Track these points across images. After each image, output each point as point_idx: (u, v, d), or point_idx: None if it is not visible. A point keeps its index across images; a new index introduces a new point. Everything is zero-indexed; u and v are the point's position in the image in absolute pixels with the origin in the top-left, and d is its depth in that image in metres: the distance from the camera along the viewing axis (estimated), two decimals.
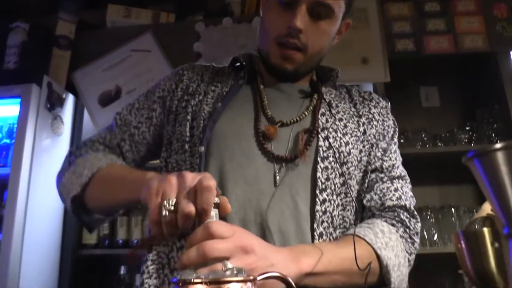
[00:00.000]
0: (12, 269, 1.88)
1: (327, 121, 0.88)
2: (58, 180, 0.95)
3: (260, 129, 0.85)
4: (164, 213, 0.60)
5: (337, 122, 0.89)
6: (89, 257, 2.23)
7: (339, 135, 0.87)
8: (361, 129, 0.91)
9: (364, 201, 0.88)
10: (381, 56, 2.23)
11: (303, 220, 0.80)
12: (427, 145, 2.27)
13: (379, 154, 0.91)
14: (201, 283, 0.45)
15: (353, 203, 0.86)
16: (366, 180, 0.89)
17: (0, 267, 1.87)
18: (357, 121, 0.92)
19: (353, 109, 0.95)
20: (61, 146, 2.26)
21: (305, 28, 0.85)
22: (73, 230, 2.21)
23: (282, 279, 0.52)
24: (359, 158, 0.88)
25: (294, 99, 0.93)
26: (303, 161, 0.83)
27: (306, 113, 0.89)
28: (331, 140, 0.84)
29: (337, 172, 0.83)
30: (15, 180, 1.96)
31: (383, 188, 0.88)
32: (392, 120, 0.99)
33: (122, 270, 2.16)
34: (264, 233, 0.78)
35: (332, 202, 0.82)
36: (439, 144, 2.28)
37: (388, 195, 0.87)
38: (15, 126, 2.13)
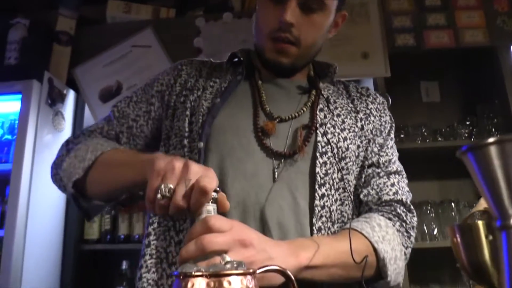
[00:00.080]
0: (15, 264, 1.89)
1: (325, 116, 0.89)
2: (54, 168, 0.94)
3: (259, 125, 0.86)
4: (159, 196, 0.62)
5: (335, 118, 0.89)
6: (91, 252, 2.24)
7: (337, 130, 0.87)
8: (359, 124, 0.92)
9: (361, 196, 0.89)
10: (381, 51, 2.23)
11: (301, 215, 0.81)
12: (427, 140, 2.27)
13: (376, 149, 0.92)
14: (201, 276, 0.46)
15: (351, 198, 0.87)
16: (363, 175, 0.90)
17: (3, 262, 1.88)
18: (355, 116, 0.93)
19: (350, 105, 0.95)
20: (62, 141, 2.26)
21: (296, 22, 0.86)
22: (75, 225, 2.22)
23: (281, 272, 0.52)
24: (356, 154, 0.89)
25: (292, 95, 0.94)
26: (302, 157, 0.84)
27: (305, 109, 0.89)
28: (329, 136, 0.85)
29: (335, 168, 0.84)
30: (17, 176, 1.97)
31: (380, 183, 0.89)
32: (389, 115, 0.99)
33: (124, 265, 2.17)
34: (263, 228, 0.79)
35: (331, 197, 0.83)
36: (439, 139, 2.28)
37: (385, 190, 0.88)
38: (17, 122, 2.13)
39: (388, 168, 0.91)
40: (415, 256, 1.96)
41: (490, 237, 0.36)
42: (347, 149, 0.86)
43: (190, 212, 0.62)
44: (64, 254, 2.18)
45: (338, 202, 0.84)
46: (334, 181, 0.84)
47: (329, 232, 0.82)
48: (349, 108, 0.94)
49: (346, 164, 0.86)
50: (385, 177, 0.90)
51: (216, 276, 0.45)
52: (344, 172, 0.85)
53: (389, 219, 0.86)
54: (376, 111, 0.97)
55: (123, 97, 1.01)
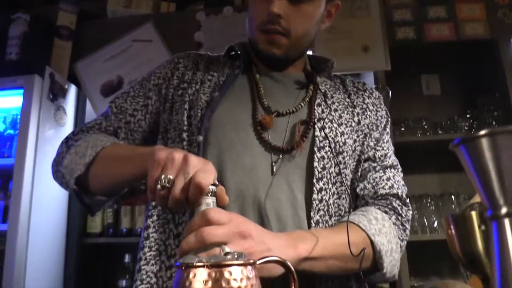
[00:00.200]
0: (19, 258, 1.91)
1: (322, 111, 0.89)
2: (55, 165, 0.94)
3: (257, 119, 0.86)
4: (158, 186, 0.63)
5: (333, 113, 0.90)
6: (94, 246, 2.26)
7: (335, 125, 0.88)
8: (356, 119, 0.93)
9: (358, 190, 0.90)
10: (381, 44, 2.23)
11: (299, 208, 0.82)
12: (428, 133, 2.28)
13: (372, 143, 0.93)
14: (203, 266, 0.47)
15: (348, 192, 0.88)
16: (359, 169, 0.91)
17: (7, 256, 1.90)
18: (352, 111, 0.93)
19: (347, 100, 0.96)
20: (65, 136, 2.27)
21: (284, 13, 0.86)
22: (78, 219, 2.24)
23: (282, 263, 0.53)
24: (353, 148, 0.89)
25: (290, 89, 0.94)
26: (300, 152, 0.84)
27: (302, 104, 0.90)
28: (327, 131, 0.86)
29: (332, 162, 0.85)
30: (19, 171, 1.99)
31: (376, 177, 0.90)
32: (385, 110, 1.00)
33: (127, 258, 2.19)
34: (262, 221, 0.80)
35: (328, 191, 0.84)
36: (440, 132, 2.29)
37: (381, 184, 0.89)
38: (19, 117, 2.14)
39: (384, 162, 0.92)
40: (415, 249, 1.98)
41: (483, 227, 0.37)
42: (344, 143, 0.87)
43: (189, 204, 0.63)
44: (67, 248, 2.20)
45: (335, 196, 0.85)
46: (331, 175, 0.85)
47: (326, 225, 0.83)
48: (346, 103, 0.95)
49: (343, 158, 0.87)
50: (381, 171, 0.91)
51: (218, 266, 0.47)
52: (341, 166, 0.86)
53: (385, 212, 0.87)
54: (373, 105, 0.97)
55: (121, 92, 1.01)
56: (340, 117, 0.90)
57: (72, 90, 2.38)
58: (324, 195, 0.83)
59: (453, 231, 0.40)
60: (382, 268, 0.81)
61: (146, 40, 2.42)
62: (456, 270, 2.01)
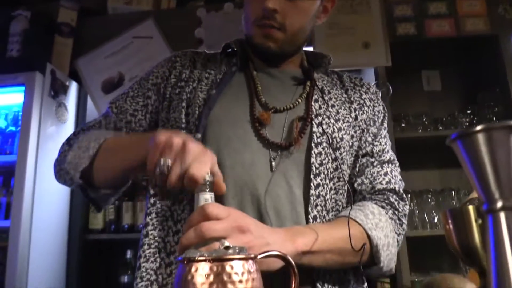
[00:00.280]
0: (21, 254, 1.92)
1: (320, 107, 0.90)
2: (57, 165, 0.94)
3: (255, 115, 0.87)
4: (157, 170, 0.65)
5: (330, 109, 0.90)
6: (96, 242, 2.27)
7: (332, 121, 0.88)
8: (353, 114, 0.93)
9: (355, 185, 0.91)
10: (382, 41, 2.23)
11: (297, 204, 0.83)
12: (428, 129, 2.28)
13: (369, 139, 0.94)
14: (205, 260, 0.47)
15: (345, 187, 0.88)
16: (357, 165, 0.92)
17: (9, 253, 1.91)
18: (349, 107, 0.94)
19: (344, 95, 0.96)
20: (66, 133, 2.28)
21: (280, 8, 0.87)
22: (80, 215, 2.25)
23: (282, 257, 0.54)
24: (350, 143, 0.90)
25: (287, 86, 0.95)
26: (298, 149, 0.85)
27: (300, 100, 0.90)
28: (324, 127, 0.86)
29: (330, 158, 0.86)
30: (21, 167, 1.99)
31: (374, 172, 0.91)
32: (382, 105, 1.00)
33: (129, 254, 2.21)
34: (261, 217, 0.80)
35: (325, 186, 0.84)
36: (440, 127, 2.29)
37: (378, 179, 0.90)
38: (20, 113, 2.15)
39: (381, 157, 0.93)
40: (415, 244, 1.99)
41: (480, 221, 0.38)
42: (342, 139, 0.88)
43: (186, 191, 0.65)
44: (69, 244, 2.21)
45: (332, 191, 0.86)
46: (329, 170, 0.85)
47: (324, 220, 0.84)
48: (343, 99, 0.95)
49: (341, 154, 0.87)
50: (378, 166, 0.92)
51: (219, 260, 0.47)
52: (339, 162, 0.86)
53: (382, 207, 0.88)
54: (370, 101, 0.98)
55: (120, 93, 1.01)
56: (338, 112, 0.91)
57: (73, 87, 2.38)
58: (322, 190, 0.84)
59: (450, 225, 0.40)
60: (379, 262, 0.82)
61: (147, 37, 2.42)
62: (456, 265, 2.02)
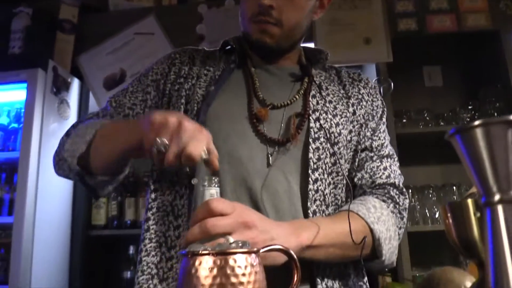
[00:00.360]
0: (25, 250, 1.94)
1: (317, 103, 0.90)
2: (56, 157, 0.94)
3: (253, 111, 0.88)
4: (154, 149, 0.67)
5: (327, 104, 0.91)
6: (99, 238, 2.29)
7: (330, 116, 0.89)
8: (351, 109, 0.94)
9: (355, 180, 0.92)
10: (383, 36, 2.23)
11: (295, 199, 0.84)
12: (430, 125, 2.28)
13: (368, 133, 0.94)
14: (208, 254, 0.48)
15: (344, 181, 0.89)
16: (357, 159, 0.92)
17: (13, 249, 1.93)
18: (347, 102, 0.94)
19: (342, 91, 0.97)
20: None
21: (276, 4, 0.87)
22: (83, 211, 2.26)
23: (284, 252, 0.55)
24: (349, 138, 0.91)
25: (285, 82, 0.95)
26: (295, 144, 0.86)
27: (297, 96, 0.91)
28: (322, 122, 0.87)
29: (328, 152, 0.86)
30: (24, 164, 2.01)
31: (373, 167, 0.91)
32: (381, 100, 1.01)
33: (131, 250, 2.22)
34: (259, 211, 0.81)
35: (324, 181, 0.85)
36: (442, 123, 2.29)
37: (378, 173, 0.91)
38: (22, 110, 2.16)
39: (380, 152, 0.94)
40: (416, 239, 1.99)
41: (478, 214, 0.39)
42: (340, 134, 0.88)
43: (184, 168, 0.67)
44: (72, 240, 2.22)
45: (331, 186, 0.87)
46: (327, 165, 0.86)
47: (323, 215, 0.84)
48: (340, 94, 0.95)
49: (339, 148, 0.88)
50: (378, 160, 0.92)
51: (223, 254, 0.48)
52: (337, 156, 0.87)
53: (383, 201, 0.88)
54: (368, 95, 0.98)
55: (120, 89, 1.02)
56: (335, 108, 0.91)
57: (75, 84, 2.39)
58: (320, 185, 0.84)
59: (450, 219, 0.41)
60: (381, 255, 0.82)
61: (148, 33, 2.42)
62: (456, 260, 2.03)
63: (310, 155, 0.84)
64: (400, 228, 0.90)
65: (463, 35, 2.31)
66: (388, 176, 0.91)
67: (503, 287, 0.31)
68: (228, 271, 0.48)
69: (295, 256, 0.55)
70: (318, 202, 0.84)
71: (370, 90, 1.00)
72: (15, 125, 2.31)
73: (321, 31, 2.23)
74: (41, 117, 2.11)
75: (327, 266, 0.82)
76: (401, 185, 0.93)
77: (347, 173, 0.91)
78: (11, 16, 2.41)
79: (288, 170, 0.85)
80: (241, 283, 0.48)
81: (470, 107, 2.32)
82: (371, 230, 0.81)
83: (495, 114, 2.24)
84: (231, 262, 0.48)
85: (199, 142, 0.67)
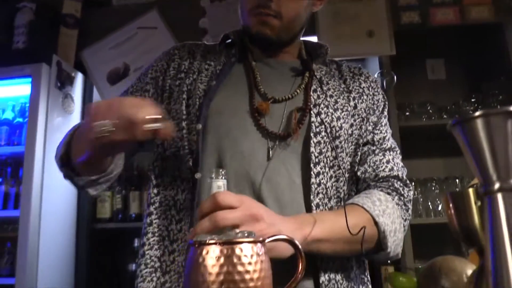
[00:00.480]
0: (31, 243, 1.96)
1: (318, 97, 0.91)
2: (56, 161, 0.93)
3: (254, 105, 0.88)
4: (97, 135, 0.67)
5: (328, 99, 0.91)
6: (104, 231, 2.31)
7: (331, 110, 0.89)
8: (352, 103, 0.94)
9: (359, 173, 0.92)
10: (386, 29, 2.22)
11: (297, 192, 0.85)
12: (433, 118, 2.29)
13: (370, 128, 0.95)
14: (215, 244, 0.49)
15: (346, 175, 0.90)
16: (359, 153, 0.93)
17: (19, 242, 1.95)
18: (347, 96, 0.95)
19: (343, 85, 0.97)
20: (73, 124, 2.29)
21: None
22: (88, 205, 2.28)
23: (289, 241, 0.56)
24: (350, 132, 0.91)
25: (286, 76, 0.96)
26: (296, 138, 0.87)
27: (298, 91, 0.91)
28: (322, 116, 0.88)
29: (329, 146, 0.87)
30: (30, 158, 2.02)
31: (376, 161, 0.92)
32: (382, 94, 1.01)
33: (136, 243, 2.24)
34: None
35: (325, 174, 0.86)
36: (445, 116, 2.29)
37: (381, 167, 0.91)
38: (27, 105, 2.18)
39: (382, 145, 0.94)
40: (419, 232, 2.00)
41: (479, 203, 0.40)
42: (341, 128, 0.89)
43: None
44: (78, 233, 2.25)
45: (333, 179, 0.88)
46: (328, 159, 0.87)
47: (326, 208, 0.85)
48: (341, 89, 0.96)
49: (340, 142, 0.88)
50: (380, 154, 0.93)
51: (229, 243, 0.49)
52: (338, 150, 0.88)
53: (388, 193, 0.89)
54: (369, 89, 0.98)
55: (123, 90, 1.03)
56: (336, 102, 0.92)
57: (79, 78, 2.40)
58: (322, 178, 0.85)
59: (451, 207, 0.42)
60: (386, 248, 0.83)
61: (151, 27, 2.43)
62: (459, 252, 2.04)
63: (312, 149, 0.85)
64: (405, 220, 0.90)
65: (466, 28, 2.30)
66: (391, 169, 0.92)
67: (502, 272, 0.32)
68: (235, 260, 0.49)
69: (299, 246, 0.56)
70: (320, 196, 0.85)
71: (371, 84, 1.00)
72: (20, 119, 2.32)
73: (324, 24, 2.23)
74: (45, 111, 2.12)
75: (330, 259, 0.83)
76: (404, 177, 0.93)
77: (348, 167, 0.92)
78: (14, 11, 2.42)
79: (290, 164, 0.86)
80: (247, 272, 0.49)
81: (473, 100, 2.32)
82: (376, 223, 0.81)
83: (498, 107, 2.24)
84: (237, 251, 0.49)
85: (143, 108, 0.66)
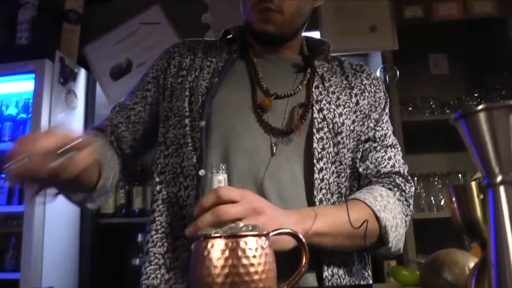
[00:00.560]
0: (36, 239, 1.97)
1: (320, 93, 0.91)
2: None
3: (257, 101, 0.89)
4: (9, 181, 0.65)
5: (330, 95, 0.92)
6: (107, 226, 2.32)
7: (333, 107, 0.90)
8: (354, 100, 0.94)
9: (361, 170, 0.93)
10: (389, 24, 2.22)
11: (300, 188, 0.86)
12: (436, 112, 2.28)
13: (371, 124, 0.95)
14: (220, 237, 0.50)
15: (347, 170, 0.91)
16: (361, 149, 0.94)
17: (24, 238, 1.96)
18: (349, 92, 0.95)
19: (345, 82, 0.97)
20: (76, 119, 2.32)
21: None
22: None
23: (293, 235, 0.57)
24: (352, 128, 0.92)
25: (288, 73, 0.96)
26: (299, 134, 0.87)
27: (300, 87, 0.92)
28: (325, 112, 0.88)
29: (331, 142, 0.87)
30: None
31: (378, 157, 0.93)
32: (383, 92, 1.01)
33: (140, 238, 2.26)
34: None
35: (328, 170, 0.87)
36: (448, 111, 2.29)
37: (383, 163, 0.92)
38: (31, 101, 2.18)
39: (384, 142, 0.95)
40: (422, 227, 2.00)
41: (481, 196, 0.40)
42: (343, 124, 0.89)
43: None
44: (82, 228, 2.26)
45: (335, 175, 0.88)
46: (330, 155, 0.87)
47: (329, 203, 0.86)
48: (343, 85, 0.96)
49: (342, 138, 0.89)
50: (382, 150, 0.94)
51: (234, 237, 0.50)
52: (340, 146, 0.88)
53: (390, 189, 0.90)
54: (371, 86, 0.99)
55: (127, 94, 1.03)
56: (338, 98, 0.92)
57: (82, 74, 2.41)
58: (325, 174, 0.86)
59: (453, 200, 0.43)
60: (387, 243, 0.84)
61: (154, 23, 2.43)
62: (461, 246, 2.05)
63: (315, 145, 0.86)
64: (407, 216, 0.91)
65: (470, 23, 2.30)
66: (393, 166, 0.92)
67: (504, 264, 0.33)
68: (240, 253, 0.49)
69: (303, 239, 0.56)
70: (324, 191, 0.85)
71: (373, 81, 1.00)
72: (24, 115, 2.33)
73: (326, 19, 2.23)
74: (49, 107, 2.13)
75: (332, 254, 0.84)
76: (406, 173, 0.94)
77: (350, 163, 0.92)
78: (17, 7, 2.42)
79: (292, 160, 0.86)
80: (252, 265, 0.49)
81: (476, 95, 2.32)
82: (378, 218, 0.82)
83: (501, 101, 2.24)
84: (242, 244, 0.50)
85: (48, 139, 0.64)
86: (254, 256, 0.50)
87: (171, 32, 2.40)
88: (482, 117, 0.34)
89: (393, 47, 2.19)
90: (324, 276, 0.82)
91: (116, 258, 2.41)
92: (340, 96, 0.93)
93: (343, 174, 0.90)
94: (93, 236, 2.27)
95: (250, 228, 0.54)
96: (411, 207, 0.93)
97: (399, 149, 0.98)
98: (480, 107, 0.34)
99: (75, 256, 2.23)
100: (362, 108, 0.95)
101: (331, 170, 0.87)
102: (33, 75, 2.14)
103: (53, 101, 2.15)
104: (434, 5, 2.28)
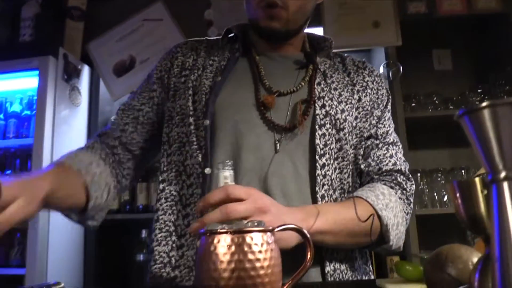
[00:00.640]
0: (41, 236, 1.99)
1: (322, 90, 0.92)
2: None
3: (260, 99, 0.89)
4: None
5: (332, 91, 0.92)
6: (112, 222, 2.33)
7: (335, 103, 0.90)
8: (356, 96, 0.95)
9: (362, 167, 0.94)
10: (392, 20, 2.21)
11: (303, 184, 0.86)
12: (439, 108, 2.28)
13: (373, 121, 0.96)
14: (226, 232, 0.51)
15: (350, 166, 0.91)
16: (363, 146, 0.94)
17: (29, 234, 1.98)
18: (351, 89, 0.96)
19: (347, 78, 0.98)
20: (80, 116, 2.33)
21: None
22: None
23: (298, 230, 0.57)
24: (354, 124, 0.92)
25: (290, 70, 0.97)
26: (301, 130, 0.88)
27: (303, 83, 0.92)
28: (327, 108, 0.89)
29: (333, 138, 0.88)
30: (38, 150, 2.05)
31: (380, 155, 0.93)
32: (386, 89, 1.02)
33: (144, 234, 2.27)
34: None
35: (331, 166, 0.87)
36: (451, 107, 2.29)
37: (385, 161, 0.93)
38: (35, 97, 2.19)
39: (386, 139, 0.95)
40: (425, 222, 2.00)
41: (485, 192, 0.41)
42: (345, 120, 0.90)
43: None
44: None
45: (337, 171, 0.89)
46: (333, 151, 0.88)
47: (331, 199, 0.87)
48: (345, 82, 0.96)
49: (344, 134, 0.90)
50: (384, 148, 0.94)
51: (240, 232, 0.51)
52: (343, 142, 0.89)
53: (391, 187, 0.91)
54: (373, 83, 0.99)
55: (131, 92, 1.04)
56: (340, 95, 0.93)
57: (86, 70, 2.41)
58: (327, 170, 0.86)
59: (457, 196, 0.43)
60: (388, 240, 0.85)
61: (157, 19, 2.43)
62: (464, 242, 2.05)
63: (317, 141, 0.86)
64: (407, 214, 0.92)
65: (474, 18, 2.29)
66: (394, 164, 0.93)
67: (507, 259, 0.33)
68: (246, 248, 0.50)
69: (308, 235, 0.57)
70: (326, 187, 0.86)
71: (375, 78, 1.01)
72: (28, 112, 2.34)
73: (329, 15, 2.22)
74: (53, 104, 2.14)
75: (334, 250, 0.85)
76: (407, 171, 0.94)
77: (352, 159, 0.93)
78: (20, 4, 2.43)
79: (296, 156, 0.87)
80: (258, 260, 0.50)
81: (479, 91, 2.31)
82: (379, 217, 0.83)
83: (505, 97, 2.23)
84: (248, 240, 0.51)
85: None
86: (260, 252, 0.51)
87: (174, 28, 2.40)
88: (486, 113, 0.34)
89: (397, 42, 2.19)
90: (326, 271, 0.83)
91: (120, 254, 2.42)
92: (342, 93, 0.93)
93: (345, 170, 0.91)
94: (98, 232, 2.27)
95: (256, 224, 0.54)
96: (412, 205, 0.94)
97: (400, 146, 0.99)
98: (484, 104, 0.34)
99: (80, 252, 2.24)
100: (364, 105, 0.95)
101: (334, 166, 0.88)
102: (37, 72, 2.15)
103: (57, 98, 2.16)
104: (438, 0, 2.27)
